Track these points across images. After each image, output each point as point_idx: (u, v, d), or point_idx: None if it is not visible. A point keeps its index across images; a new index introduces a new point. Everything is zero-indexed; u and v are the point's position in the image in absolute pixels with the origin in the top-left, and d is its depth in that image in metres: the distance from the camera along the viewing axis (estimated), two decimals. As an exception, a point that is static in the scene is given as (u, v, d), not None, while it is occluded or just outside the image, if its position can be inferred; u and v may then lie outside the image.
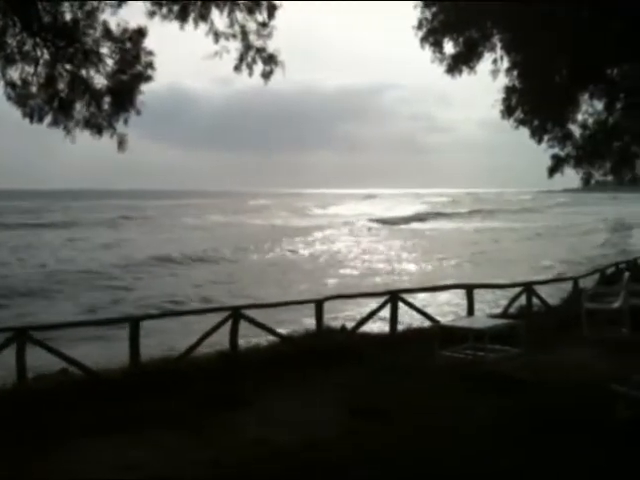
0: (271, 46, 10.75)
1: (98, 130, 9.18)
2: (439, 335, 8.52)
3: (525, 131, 15.35)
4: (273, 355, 8.54)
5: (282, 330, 9.98)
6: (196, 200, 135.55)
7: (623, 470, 4.84)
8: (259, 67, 10.60)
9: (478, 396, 6.67)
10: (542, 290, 12.05)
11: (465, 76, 14.53)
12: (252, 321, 8.95)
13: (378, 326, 10.80)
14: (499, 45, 13.91)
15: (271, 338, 9.39)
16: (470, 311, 10.70)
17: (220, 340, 8.94)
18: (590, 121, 15.72)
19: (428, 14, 14.10)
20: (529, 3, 11.94)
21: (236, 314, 8.77)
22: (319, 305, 9.46)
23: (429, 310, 11.26)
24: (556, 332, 10.35)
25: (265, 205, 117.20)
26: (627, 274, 12.12)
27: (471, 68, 14.00)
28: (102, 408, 6.46)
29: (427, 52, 14.22)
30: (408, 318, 11.05)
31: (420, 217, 79.37)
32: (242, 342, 9.18)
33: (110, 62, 9.28)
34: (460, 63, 13.91)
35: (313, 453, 5.33)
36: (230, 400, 6.80)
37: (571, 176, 16.58)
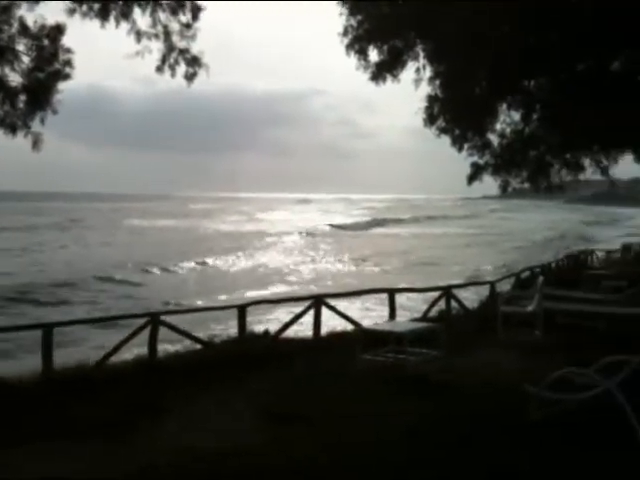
0: (195, 48, 10.63)
1: (12, 129, 8.84)
2: (361, 339, 8.62)
3: (447, 139, 15.77)
4: (194, 361, 8.41)
5: (204, 335, 9.87)
6: (130, 203, 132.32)
7: (536, 470, 4.99)
8: (182, 68, 10.46)
9: (399, 400, 6.76)
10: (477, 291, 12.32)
11: (389, 84, 14.84)
12: (171, 327, 8.80)
13: (303, 330, 10.81)
14: (422, 55, 14.24)
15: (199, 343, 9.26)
16: (392, 315, 10.87)
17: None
18: (508, 131, 16.27)
19: (353, 22, 14.28)
20: (450, 15, 12.30)
21: (155, 320, 8.59)
22: (242, 310, 9.39)
23: (373, 314, 11.36)
24: (474, 335, 10.66)
25: (210, 209, 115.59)
26: (541, 278, 12.62)
27: (395, 76, 14.28)
28: (11, 418, 6.18)
29: (352, 59, 14.41)
30: (339, 322, 11.08)
31: (378, 223, 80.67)
32: (166, 348, 9.05)
33: (26, 59, 8.96)
34: (384, 71, 14.16)
35: (238, 460, 5.26)
36: (150, 408, 6.63)
37: (489, 183, 17.12)
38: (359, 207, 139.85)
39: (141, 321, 8.80)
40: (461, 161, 16.26)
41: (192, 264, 37.65)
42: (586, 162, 16.90)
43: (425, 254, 44.48)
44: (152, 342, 8.60)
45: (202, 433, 6.01)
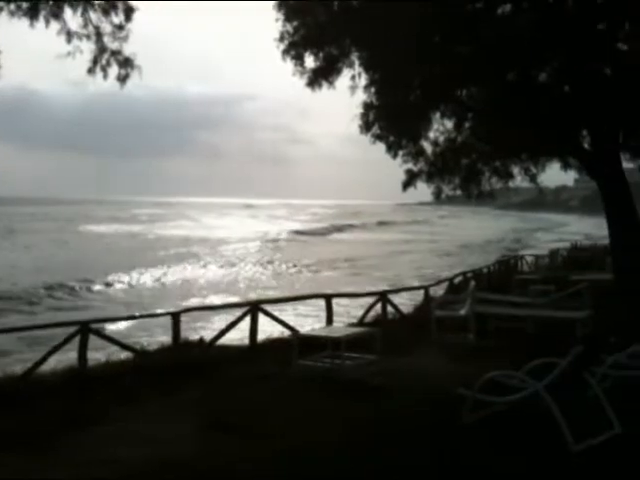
0: (128, 50, 10.44)
1: None
2: (298, 345, 8.60)
3: (383, 146, 15.98)
4: (126, 370, 8.19)
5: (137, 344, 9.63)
6: (67, 207, 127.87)
7: (467, 473, 5.07)
8: (114, 70, 10.25)
9: (333, 405, 6.77)
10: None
11: (327, 91, 14.95)
12: (102, 335, 8.56)
13: (240, 338, 10.69)
14: (357, 63, 14.43)
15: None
16: (329, 320, 10.89)
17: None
18: (441, 139, 16.64)
19: (289, 27, 14.34)
20: (385, 25, 12.49)
21: (84, 328, 8.33)
22: (175, 317, 9.22)
23: (310, 320, 11.30)
24: (408, 339, 10.79)
25: (157, 214, 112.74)
26: (473, 283, 12.92)
27: (330, 83, 14.42)
28: None
29: (289, 64, 14.45)
30: (278, 328, 10.99)
31: (337, 228, 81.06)
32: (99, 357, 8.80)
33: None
34: (320, 77, 14.27)
35: (165, 472, 5.14)
36: (76, 419, 6.42)
37: (424, 190, 17.43)
38: (306, 213, 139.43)
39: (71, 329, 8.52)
40: (396, 168, 16.51)
41: (146, 273, 35.77)
42: (515, 170, 17.44)
43: (388, 260, 45.22)
44: (82, 351, 8.33)
45: (130, 444, 5.83)
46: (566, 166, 17.14)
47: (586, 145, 15.44)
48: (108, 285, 31.08)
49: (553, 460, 5.18)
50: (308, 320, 15.61)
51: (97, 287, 30.26)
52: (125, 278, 33.17)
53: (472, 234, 71.88)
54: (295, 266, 41.47)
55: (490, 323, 11.53)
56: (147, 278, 34.16)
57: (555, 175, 19.51)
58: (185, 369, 8.20)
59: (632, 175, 16.57)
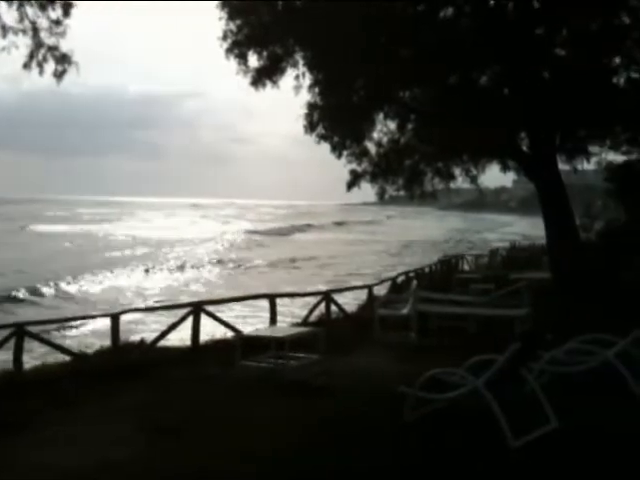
0: (65, 46, 10.18)
1: None
2: (241, 345, 8.52)
3: (327, 146, 16.03)
4: (64, 374, 7.95)
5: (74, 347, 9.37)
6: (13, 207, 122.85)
7: (407, 470, 5.11)
8: (51, 66, 9.98)
9: (276, 406, 6.73)
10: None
11: (271, 90, 14.89)
12: (38, 338, 8.29)
13: (182, 339, 10.52)
14: (301, 62, 14.42)
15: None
16: (273, 320, 10.84)
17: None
18: (384, 140, 16.78)
19: (233, 26, 14.22)
20: (328, 26, 12.53)
21: (20, 331, 8.05)
22: (115, 319, 9.01)
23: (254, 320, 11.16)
24: (352, 338, 10.85)
25: (106, 214, 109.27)
26: (415, 282, 13.09)
27: (274, 82, 14.37)
28: None
29: (233, 63, 14.33)
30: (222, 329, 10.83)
31: (297, 229, 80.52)
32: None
33: None
34: (264, 77, 14.20)
35: (106, 475, 5.02)
36: (12, 423, 6.20)
37: (368, 190, 17.56)
38: (258, 213, 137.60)
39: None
40: (341, 168, 16.58)
41: (95, 276, 34.37)
42: (457, 171, 17.74)
43: (357, 258, 46.05)
44: (17, 354, 8.05)
45: (66, 449, 5.66)
46: (505, 168, 17.53)
47: (524, 147, 15.86)
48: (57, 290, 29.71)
49: (492, 455, 5.27)
50: (254, 320, 15.52)
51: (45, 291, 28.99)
52: (75, 282, 31.88)
53: (424, 233, 73.23)
54: (257, 266, 41.41)
55: (432, 322, 11.70)
56: (96, 282, 32.92)
57: (495, 177, 19.95)
58: (125, 371, 8.02)
59: (568, 177, 17.10)
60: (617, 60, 14.09)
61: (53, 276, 32.16)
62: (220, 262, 43.81)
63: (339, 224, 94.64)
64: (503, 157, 16.96)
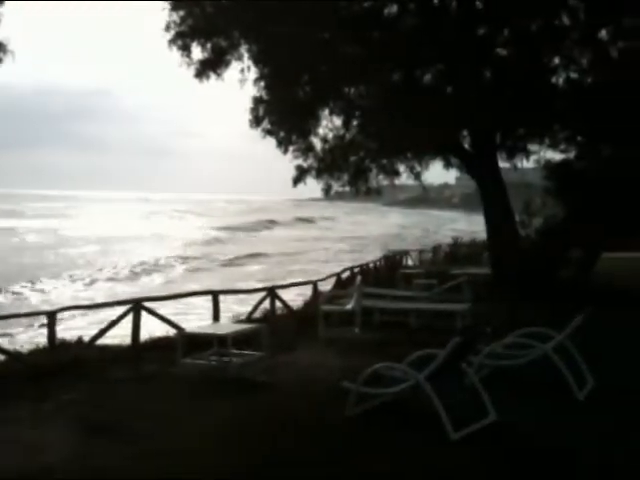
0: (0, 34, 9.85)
1: None
2: (183, 343, 8.38)
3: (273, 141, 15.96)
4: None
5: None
6: None
7: (345, 466, 5.10)
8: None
9: (217, 404, 6.63)
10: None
11: (216, 82, 14.71)
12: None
13: (122, 336, 10.26)
14: (247, 56, 14.28)
15: None
16: (216, 317, 10.70)
17: None
18: (330, 135, 16.81)
19: (176, 17, 13.98)
20: (274, 20, 12.45)
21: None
22: (51, 317, 8.72)
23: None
24: (297, 334, 10.82)
25: (53, 208, 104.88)
26: (359, 278, 13.16)
27: (219, 75, 14.19)
28: None
29: (176, 55, 14.08)
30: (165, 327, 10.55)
31: (265, 225, 79.62)
32: None
33: None
34: (208, 69, 14.01)
35: (40, 476, 4.85)
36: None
37: (314, 186, 17.56)
38: (211, 208, 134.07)
39: None
40: (287, 163, 16.53)
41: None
42: (401, 168, 17.92)
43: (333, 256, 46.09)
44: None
45: (2, 452, 5.46)
46: (448, 165, 17.81)
47: (466, 145, 16.13)
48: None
49: (434, 449, 5.32)
50: (204, 317, 15.29)
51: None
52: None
53: (381, 229, 73.97)
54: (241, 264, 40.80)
55: (376, 317, 11.79)
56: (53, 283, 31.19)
57: (439, 173, 20.27)
58: (61, 370, 7.78)
59: (508, 175, 17.49)
60: (557, 60, 14.48)
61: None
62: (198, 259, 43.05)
63: (304, 220, 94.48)
64: (446, 154, 17.23)
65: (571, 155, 16.81)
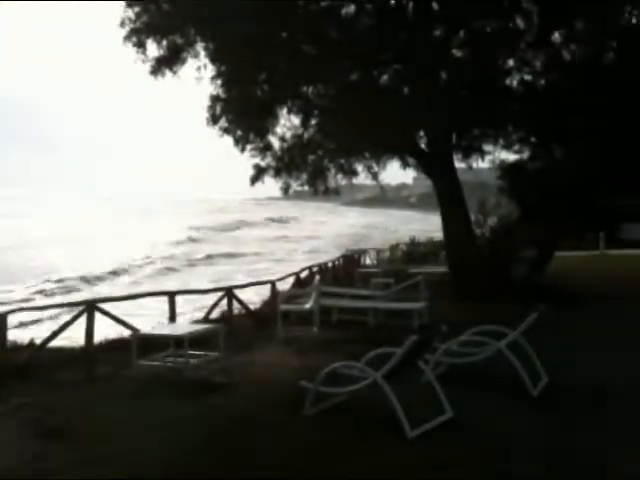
0: None
1: None
2: (138, 344, 8.24)
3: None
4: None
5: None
6: None
7: (300, 468, 5.07)
8: None
9: (174, 406, 6.54)
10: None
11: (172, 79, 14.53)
12: None
13: (76, 338, 10.03)
14: (203, 54, 14.12)
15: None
16: (172, 318, 10.55)
17: None
18: (288, 134, 16.75)
19: (131, 13, 13.74)
20: (231, 17, 12.34)
21: None
22: (1, 320, 8.47)
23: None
24: (255, 334, 10.78)
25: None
26: (318, 277, 13.17)
27: (174, 72, 14.00)
28: None
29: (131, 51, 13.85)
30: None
31: (236, 226, 78.86)
32: None
33: None
34: (163, 66, 13.80)
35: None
36: None
37: (271, 184, 17.50)
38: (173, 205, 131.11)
39: None
40: (245, 161, 16.44)
41: None
42: (359, 167, 18.00)
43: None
44: None
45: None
46: (405, 165, 17.94)
47: (423, 145, 16.28)
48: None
49: (391, 447, 5.34)
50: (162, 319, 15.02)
51: None
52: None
53: (345, 229, 74.22)
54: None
55: (334, 316, 11.81)
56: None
57: (397, 173, 20.45)
58: (11, 374, 7.57)
59: (465, 174, 17.73)
60: (511, 62, 14.72)
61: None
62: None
63: (273, 220, 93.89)
64: (402, 154, 17.35)
65: (525, 156, 17.14)
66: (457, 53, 14.77)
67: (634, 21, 14.08)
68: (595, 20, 12.51)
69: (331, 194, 18.58)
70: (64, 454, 5.24)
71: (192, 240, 58.31)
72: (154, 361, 8.15)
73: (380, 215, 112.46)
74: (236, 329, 10.84)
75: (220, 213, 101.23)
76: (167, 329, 8.97)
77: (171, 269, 39.07)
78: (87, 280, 33.48)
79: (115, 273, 36.71)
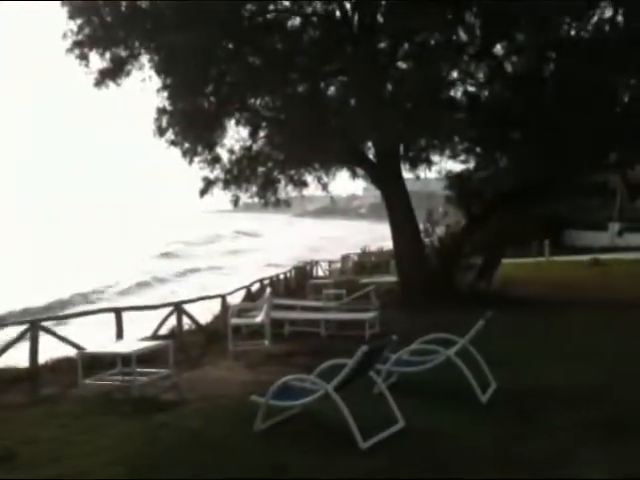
0: None
1: None
2: (84, 363, 8.04)
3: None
4: None
5: None
6: None
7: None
8: None
9: (122, 425, 6.35)
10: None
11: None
12: None
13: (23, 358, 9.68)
14: (148, 66, 13.96)
15: None
16: (119, 335, 10.32)
17: None
18: (237, 147, 16.68)
19: (74, 25, 13.51)
20: (176, 29, 12.23)
21: None
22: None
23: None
24: (204, 349, 10.64)
25: None
26: (269, 290, 13.09)
27: (118, 85, 13.78)
28: None
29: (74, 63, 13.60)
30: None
31: (211, 239, 78.27)
32: None
33: None
34: (107, 78, 13.58)
35: None
36: None
37: (222, 197, 17.38)
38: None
39: None
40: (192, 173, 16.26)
41: None
42: (309, 179, 18.04)
43: None
44: None
45: None
46: (354, 175, 18.08)
47: (371, 156, 16.42)
48: None
49: (343, 459, 5.31)
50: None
51: None
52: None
53: (306, 240, 73.94)
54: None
55: (286, 328, 11.76)
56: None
57: (348, 184, 20.57)
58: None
59: (414, 184, 17.99)
60: (455, 74, 15.00)
61: None
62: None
63: (244, 234, 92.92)
64: (351, 165, 17.47)
65: (470, 165, 17.48)
66: (402, 65, 14.98)
67: (572, 33, 14.53)
68: (534, 32, 12.85)
69: (282, 206, 18.55)
70: (6, 477, 5.02)
71: (171, 255, 57.27)
72: (101, 380, 7.97)
73: (332, 226, 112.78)
74: (186, 345, 10.67)
75: (185, 228, 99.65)
76: (114, 347, 8.76)
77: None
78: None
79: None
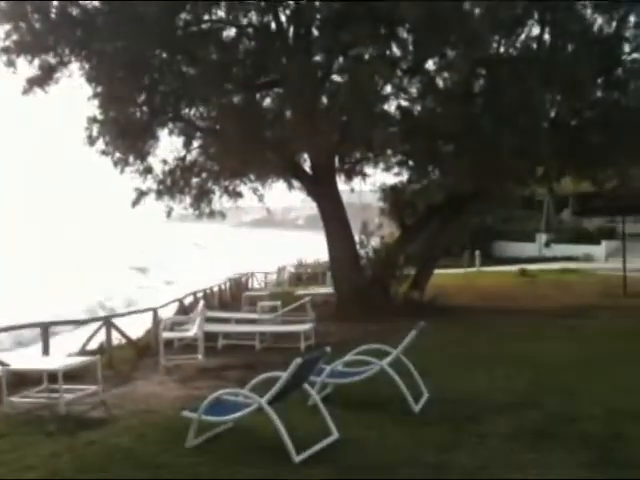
0: None
1: None
2: (8, 380, 7.71)
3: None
4: None
5: None
6: None
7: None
8: None
9: (48, 444, 6.10)
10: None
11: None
12: None
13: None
14: (79, 73, 13.63)
15: None
16: (46, 350, 9.92)
17: None
18: (170, 157, 16.45)
19: (1, 31, 13.09)
20: (108, 37, 11.98)
21: None
22: None
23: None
24: (135, 364, 10.37)
25: None
26: (202, 302, 12.90)
27: (47, 92, 13.40)
28: None
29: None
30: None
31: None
32: None
33: None
34: (35, 85, 13.18)
35: None
36: None
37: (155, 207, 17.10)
38: None
39: None
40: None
41: None
42: (245, 190, 17.97)
43: None
44: None
45: None
46: (290, 187, 18.10)
47: (307, 168, 16.48)
48: None
49: (276, 474, 5.26)
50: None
51: None
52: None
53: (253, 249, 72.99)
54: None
55: (220, 341, 11.60)
56: None
57: (285, 195, 20.55)
58: None
59: (351, 196, 18.18)
60: (388, 88, 15.24)
61: None
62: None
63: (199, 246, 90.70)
64: (287, 177, 17.49)
65: (404, 178, 17.80)
66: (337, 78, 15.11)
67: (502, 50, 15.03)
68: (465, 49, 13.19)
69: (216, 217, 18.38)
70: None
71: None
72: (26, 397, 7.66)
73: (270, 236, 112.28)
74: (116, 360, 10.38)
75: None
76: (40, 363, 8.43)
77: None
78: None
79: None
